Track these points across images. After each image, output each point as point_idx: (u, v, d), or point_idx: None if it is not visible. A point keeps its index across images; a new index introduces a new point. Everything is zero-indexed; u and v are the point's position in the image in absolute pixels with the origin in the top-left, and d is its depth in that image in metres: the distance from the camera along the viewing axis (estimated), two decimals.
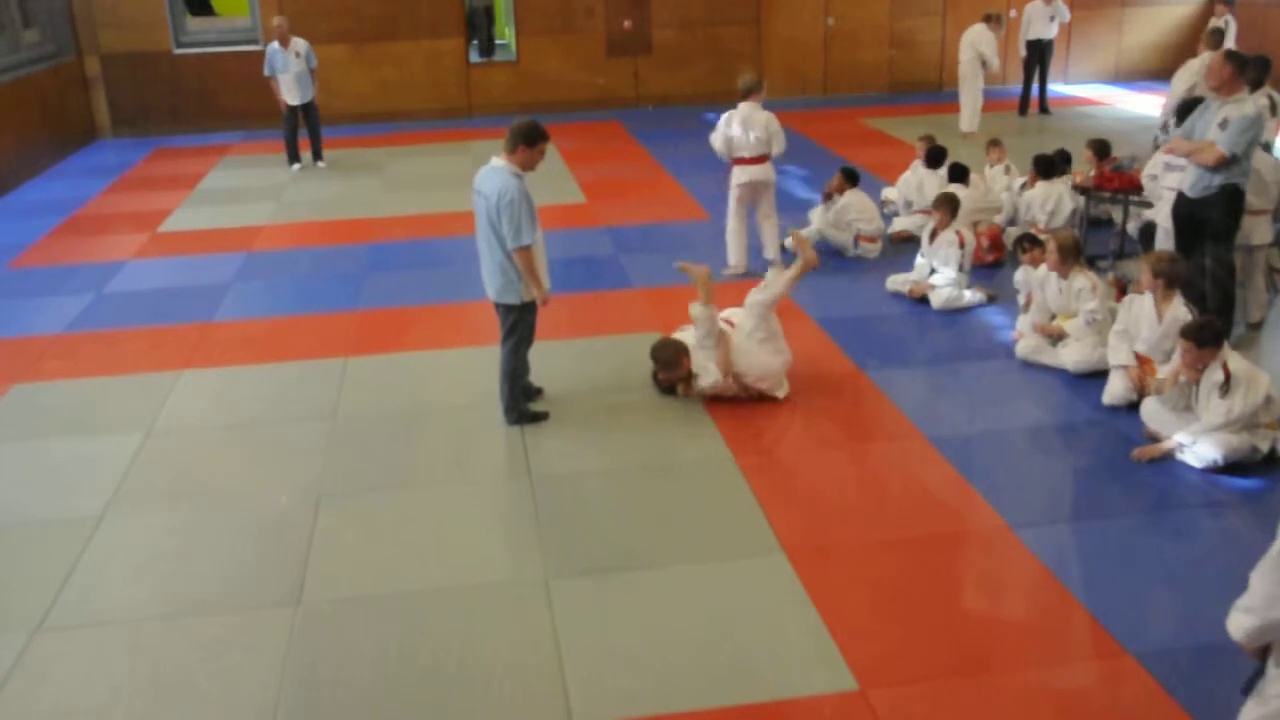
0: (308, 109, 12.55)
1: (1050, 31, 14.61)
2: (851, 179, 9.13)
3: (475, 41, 16.88)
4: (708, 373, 6.22)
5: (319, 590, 4.69)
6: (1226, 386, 5.37)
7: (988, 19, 13.72)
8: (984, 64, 13.47)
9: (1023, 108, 14.93)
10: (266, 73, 12.39)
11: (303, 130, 12.73)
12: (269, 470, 5.79)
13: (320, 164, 12.98)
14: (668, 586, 4.65)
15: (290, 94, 12.36)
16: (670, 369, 6.33)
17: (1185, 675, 3.98)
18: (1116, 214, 9.00)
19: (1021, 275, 7.17)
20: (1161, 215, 7.30)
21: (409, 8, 15.63)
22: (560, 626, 4.39)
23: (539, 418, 6.18)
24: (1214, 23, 13.97)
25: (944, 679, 4.06)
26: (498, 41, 17.80)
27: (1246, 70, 6.77)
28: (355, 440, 6.08)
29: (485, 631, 4.39)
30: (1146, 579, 4.64)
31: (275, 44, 12.30)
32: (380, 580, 4.76)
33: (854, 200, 8.98)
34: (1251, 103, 6.63)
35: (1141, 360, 6.07)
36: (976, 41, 13.51)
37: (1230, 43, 13.19)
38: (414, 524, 5.22)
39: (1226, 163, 6.55)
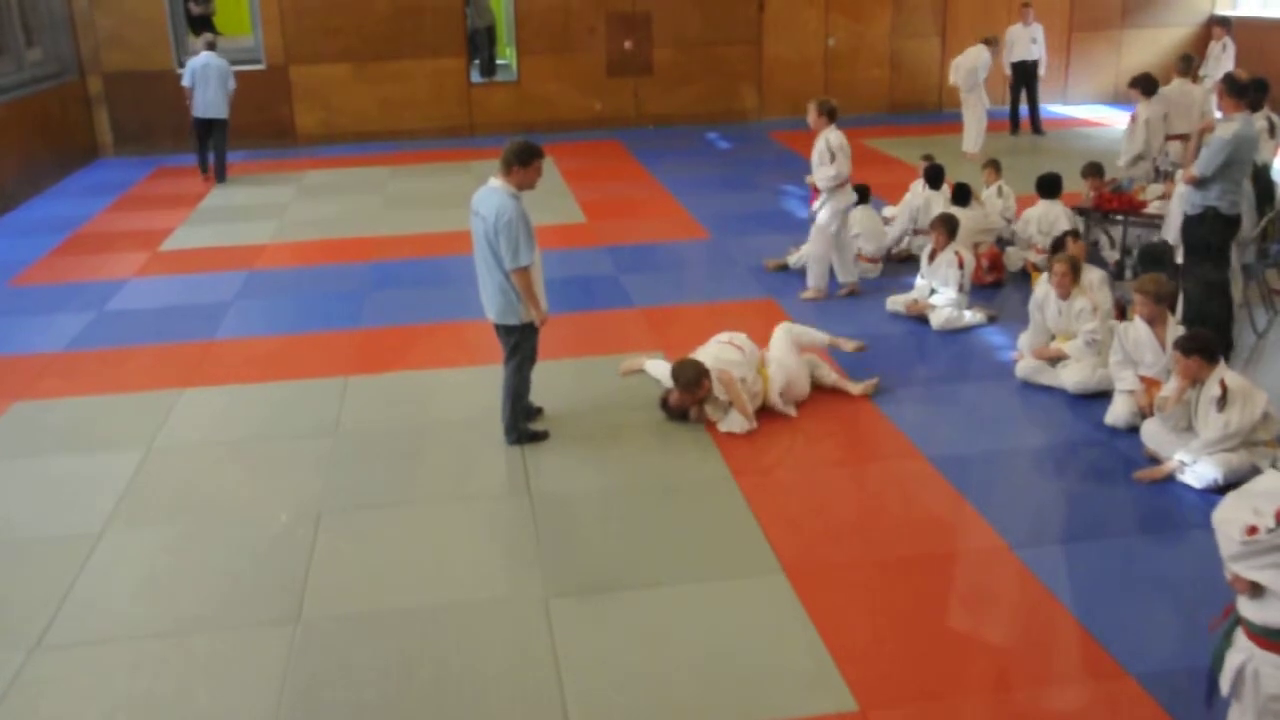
0: None
1: (1033, 53, 14.75)
2: (861, 196, 8.93)
3: (477, 61, 16.97)
4: (740, 423, 6.20)
5: (318, 607, 4.69)
6: (1223, 401, 5.39)
7: (987, 42, 13.86)
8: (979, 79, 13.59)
9: (1013, 127, 15.07)
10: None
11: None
12: (269, 487, 5.79)
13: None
14: (667, 605, 4.65)
15: None
16: (691, 389, 6.22)
17: (1185, 697, 3.96)
18: (1116, 233, 9.02)
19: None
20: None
21: (411, 28, 15.71)
22: (560, 645, 4.38)
23: (539, 437, 6.18)
24: (1213, 46, 14.09)
25: (944, 699, 4.06)
26: (499, 61, 17.88)
27: (1243, 93, 6.82)
28: (355, 458, 6.08)
29: (485, 649, 4.39)
30: (1147, 599, 4.64)
31: None
32: (380, 597, 4.76)
33: (861, 217, 8.89)
34: (1233, 125, 6.69)
35: (1149, 382, 6.06)
36: (975, 59, 13.59)
37: (1229, 64, 13.27)
38: (414, 542, 5.22)
39: (1201, 183, 6.69)
